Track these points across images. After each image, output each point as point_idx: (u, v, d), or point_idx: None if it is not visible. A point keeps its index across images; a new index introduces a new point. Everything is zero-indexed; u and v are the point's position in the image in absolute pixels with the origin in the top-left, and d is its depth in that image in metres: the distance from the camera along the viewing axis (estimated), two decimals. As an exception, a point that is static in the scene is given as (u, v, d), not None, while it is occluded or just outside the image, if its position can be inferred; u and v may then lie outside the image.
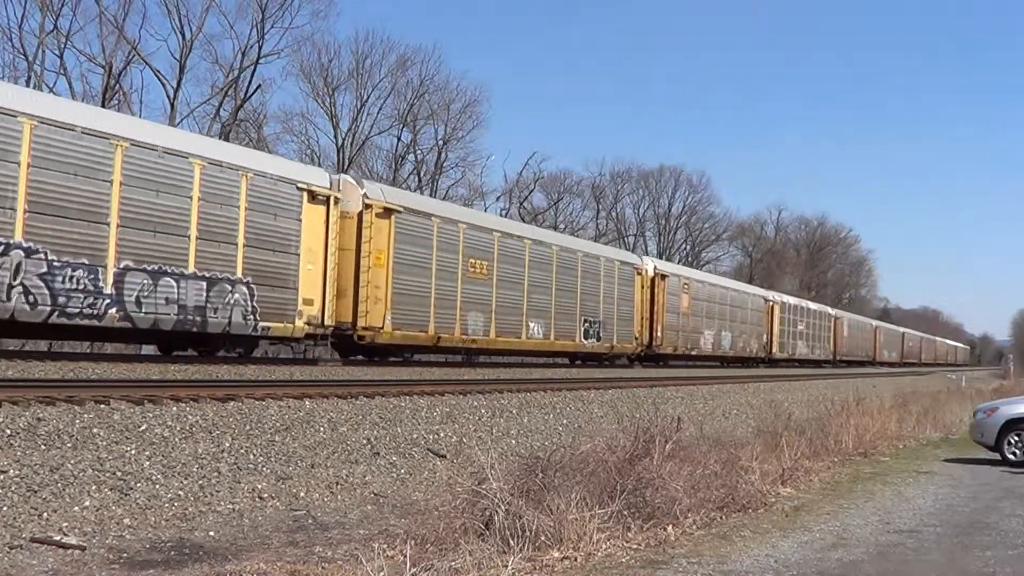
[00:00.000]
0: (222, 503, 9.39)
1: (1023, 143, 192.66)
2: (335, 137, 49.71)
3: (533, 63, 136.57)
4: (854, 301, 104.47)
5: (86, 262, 15.68)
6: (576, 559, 7.45)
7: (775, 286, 70.90)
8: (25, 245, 14.82)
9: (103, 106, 34.42)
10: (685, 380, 27.71)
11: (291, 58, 47.19)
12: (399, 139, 52.26)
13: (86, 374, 13.94)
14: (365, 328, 21.45)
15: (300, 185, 19.93)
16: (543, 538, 7.55)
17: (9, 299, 14.59)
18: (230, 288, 18.22)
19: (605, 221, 75.24)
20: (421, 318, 23.08)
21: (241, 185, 18.53)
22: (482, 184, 59.01)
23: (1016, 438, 16.29)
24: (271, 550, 7.96)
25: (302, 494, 10.16)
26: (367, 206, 21.47)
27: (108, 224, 16.03)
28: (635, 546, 8.09)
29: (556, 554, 7.44)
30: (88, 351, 17.58)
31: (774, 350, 49.60)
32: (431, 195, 48.53)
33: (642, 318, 34.93)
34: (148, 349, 21.18)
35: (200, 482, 9.64)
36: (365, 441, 12.33)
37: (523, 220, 52.98)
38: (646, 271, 35.81)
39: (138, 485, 9.13)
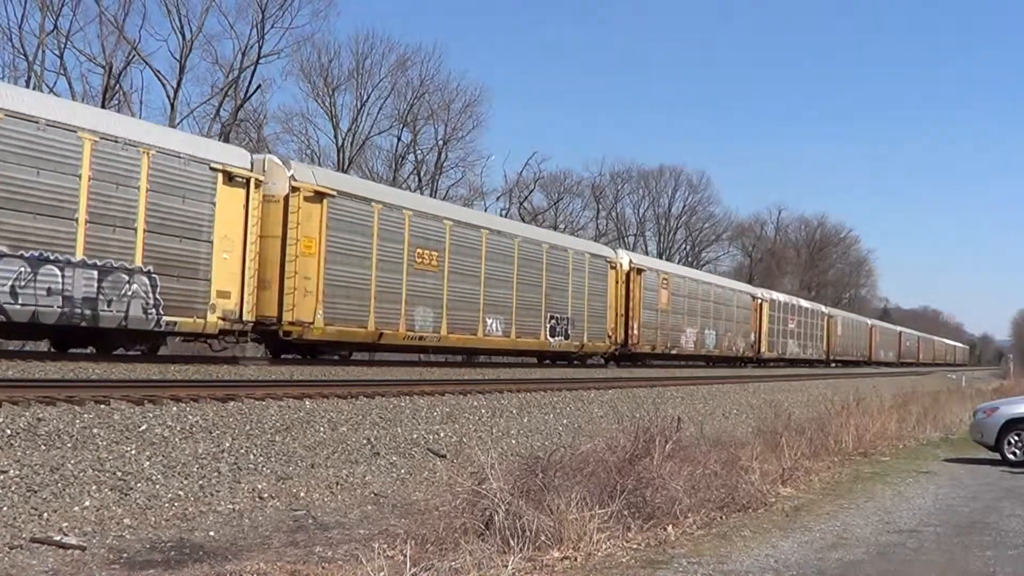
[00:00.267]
0: (222, 503, 9.39)
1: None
2: (335, 137, 49.82)
3: (533, 63, 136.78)
4: (854, 301, 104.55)
5: None
6: (576, 559, 7.45)
7: (775, 286, 70.82)
8: None
9: (103, 106, 34.44)
10: (685, 380, 27.74)
11: (291, 58, 47.26)
12: (399, 139, 52.37)
13: (86, 374, 13.94)
14: (292, 323, 19.53)
15: (214, 165, 17.99)
16: (543, 538, 7.55)
17: None
18: (127, 278, 16.30)
19: (605, 221, 75.35)
20: (359, 313, 21.18)
21: (142, 163, 16.58)
22: (482, 184, 59.14)
23: (1016, 438, 16.29)
24: (271, 550, 7.96)
25: (302, 494, 10.16)
26: (294, 189, 19.61)
27: None
28: (635, 546, 8.09)
29: (556, 554, 7.44)
30: (88, 351, 17.31)
31: (763, 349, 48.10)
32: (431, 195, 48.52)
33: (616, 315, 32.91)
34: (42, 346, 19.27)
35: (200, 482, 9.64)
36: (365, 441, 12.33)
37: (523, 220, 52.98)
38: (620, 265, 33.79)
39: (138, 485, 9.13)
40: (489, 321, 25.82)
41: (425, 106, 52.11)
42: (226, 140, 35.45)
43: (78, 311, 15.65)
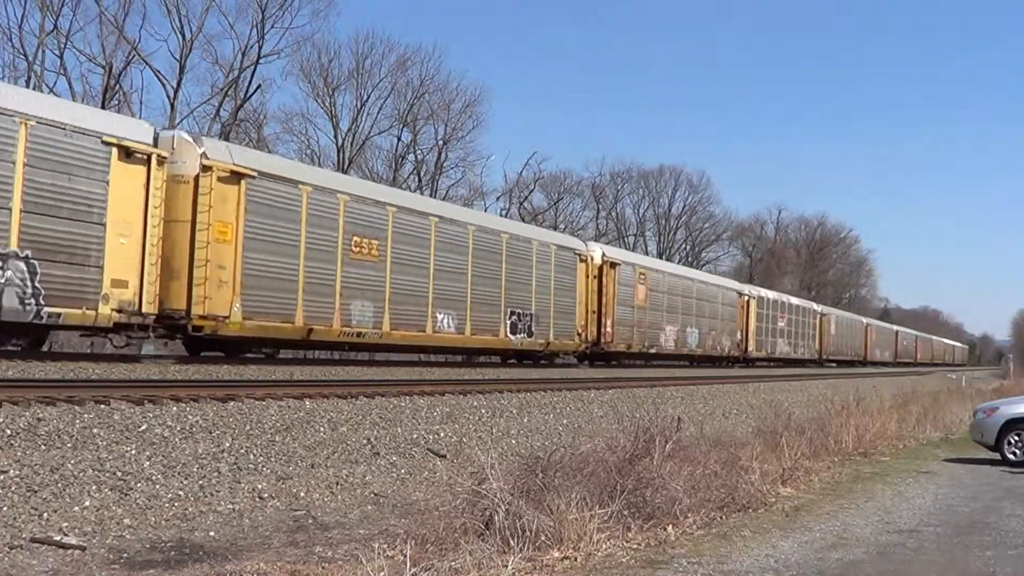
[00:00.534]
0: (222, 503, 9.39)
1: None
2: (335, 137, 49.87)
3: (533, 63, 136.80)
4: (854, 301, 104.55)
5: None
6: (576, 559, 7.45)
7: (775, 286, 70.77)
8: None
9: (103, 106, 34.44)
10: (685, 380, 27.75)
11: (291, 58, 47.34)
12: (399, 139, 52.42)
13: (86, 374, 13.94)
14: (204, 317, 17.52)
15: (107, 139, 15.96)
16: (543, 538, 7.56)
17: None
18: (0, 264, 14.57)
19: (605, 221, 75.43)
20: (285, 306, 19.23)
21: (18, 135, 14.69)
22: (482, 184, 59.21)
23: (1016, 438, 16.29)
24: (271, 550, 7.96)
25: (302, 494, 10.16)
26: (206, 168, 17.61)
27: None
28: (635, 546, 8.09)
29: (556, 554, 7.44)
30: (88, 351, 17.14)
31: (750, 348, 46.12)
32: (431, 195, 48.51)
33: (588, 312, 30.86)
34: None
35: (200, 482, 9.65)
36: (365, 441, 12.33)
37: (523, 220, 52.98)
38: (591, 258, 31.58)
39: (138, 485, 9.13)
40: (440, 316, 23.85)
41: (425, 106, 52.24)
42: (226, 140, 35.41)
43: None
